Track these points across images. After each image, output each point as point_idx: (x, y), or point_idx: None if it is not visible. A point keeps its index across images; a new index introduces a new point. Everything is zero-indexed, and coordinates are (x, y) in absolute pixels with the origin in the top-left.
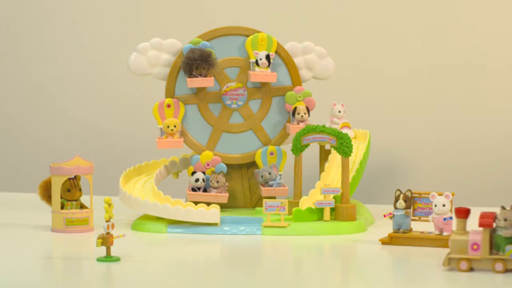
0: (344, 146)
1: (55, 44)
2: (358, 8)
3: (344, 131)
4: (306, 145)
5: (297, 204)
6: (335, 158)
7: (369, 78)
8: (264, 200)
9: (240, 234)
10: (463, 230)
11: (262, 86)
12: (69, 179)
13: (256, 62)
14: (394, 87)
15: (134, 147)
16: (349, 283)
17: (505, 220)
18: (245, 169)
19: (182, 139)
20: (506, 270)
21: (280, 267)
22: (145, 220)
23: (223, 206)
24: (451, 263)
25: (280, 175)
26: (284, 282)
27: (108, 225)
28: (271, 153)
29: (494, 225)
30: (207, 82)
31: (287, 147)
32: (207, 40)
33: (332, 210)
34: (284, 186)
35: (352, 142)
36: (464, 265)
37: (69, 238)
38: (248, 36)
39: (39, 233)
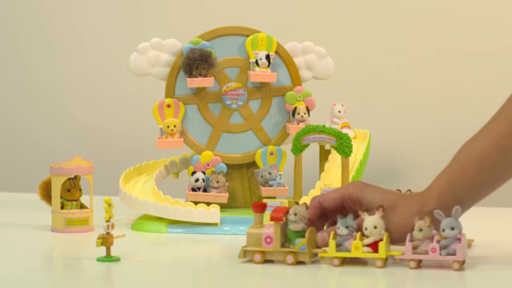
0: (344, 146)
1: (55, 44)
2: (358, 8)
3: (344, 131)
4: (306, 145)
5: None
6: (335, 158)
7: (369, 78)
8: (264, 200)
9: (240, 234)
10: (260, 224)
11: (262, 86)
12: (69, 179)
13: (256, 62)
14: (394, 87)
15: (134, 147)
16: (348, 283)
17: (295, 214)
18: (245, 169)
19: (182, 139)
20: (297, 262)
21: (280, 267)
22: (145, 220)
23: (223, 206)
24: (246, 255)
25: (280, 175)
26: (284, 282)
27: (108, 225)
28: (271, 153)
29: (286, 219)
30: (207, 82)
31: (287, 147)
32: (207, 40)
33: None
34: (284, 186)
35: (352, 142)
36: (258, 257)
37: (69, 238)
38: (248, 36)
39: (39, 233)
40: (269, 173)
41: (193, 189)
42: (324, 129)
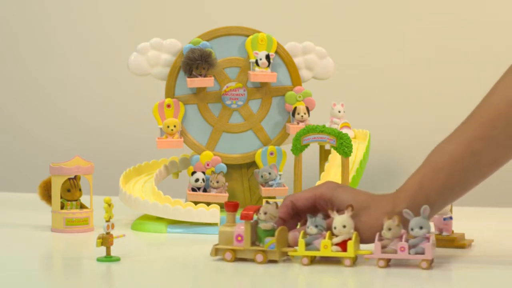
0: (344, 146)
1: (55, 44)
2: (358, 8)
3: (344, 131)
4: (306, 145)
5: None
6: (335, 158)
7: (369, 78)
8: (264, 200)
9: None
10: (232, 222)
11: (262, 86)
12: (69, 179)
13: (256, 62)
14: (394, 87)
15: (134, 147)
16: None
17: (265, 213)
18: (245, 169)
19: (182, 139)
20: (268, 261)
21: (280, 267)
22: (145, 220)
23: (223, 206)
24: (218, 253)
25: (280, 175)
26: (285, 282)
27: (108, 225)
28: (271, 153)
29: (257, 217)
30: (207, 82)
31: (287, 147)
32: (207, 40)
33: None
34: (284, 186)
35: (352, 142)
36: (228, 255)
37: (69, 238)
38: (248, 36)
39: (39, 233)
40: (269, 173)
41: (193, 189)
42: (324, 129)
